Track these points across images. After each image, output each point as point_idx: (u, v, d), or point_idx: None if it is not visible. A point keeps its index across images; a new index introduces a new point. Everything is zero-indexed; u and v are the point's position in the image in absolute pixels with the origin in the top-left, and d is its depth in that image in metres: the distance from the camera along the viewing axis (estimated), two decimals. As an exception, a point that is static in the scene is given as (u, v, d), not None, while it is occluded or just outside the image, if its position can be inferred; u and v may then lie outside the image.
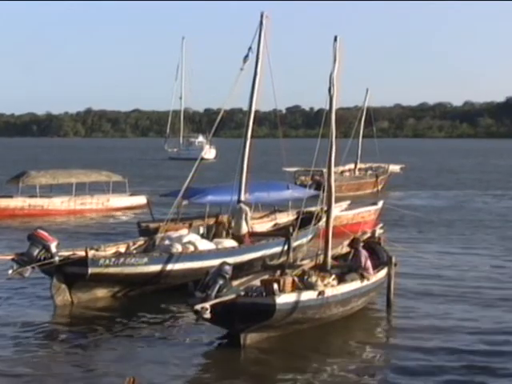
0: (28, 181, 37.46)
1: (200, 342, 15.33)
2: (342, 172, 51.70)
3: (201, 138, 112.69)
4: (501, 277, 21.77)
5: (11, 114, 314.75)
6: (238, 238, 22.60)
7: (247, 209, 23.55)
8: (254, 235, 23.59)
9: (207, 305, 14.20)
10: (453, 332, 16.00)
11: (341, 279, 16.95)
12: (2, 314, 17.48)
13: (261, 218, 28.35)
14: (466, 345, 15.09)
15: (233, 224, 23.27)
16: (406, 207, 37.30)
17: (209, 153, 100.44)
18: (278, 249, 22.58)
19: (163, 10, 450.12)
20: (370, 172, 54.64)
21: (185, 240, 21.04)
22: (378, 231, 20.69)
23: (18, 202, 36.97)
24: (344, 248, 19.59)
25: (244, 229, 23.04)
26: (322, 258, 18.08)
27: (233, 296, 14.75)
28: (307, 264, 18.07)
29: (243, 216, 23.12)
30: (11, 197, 37.54)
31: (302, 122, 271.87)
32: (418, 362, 14.16)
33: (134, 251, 20.68)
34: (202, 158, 25.87)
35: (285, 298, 14.83)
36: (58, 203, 38.00)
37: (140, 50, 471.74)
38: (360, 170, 54.91)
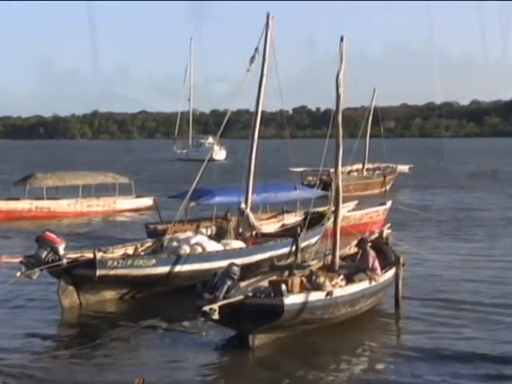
0: (35, 183, 37.52)
1: (208, 343, 15.32)
2: (350, 172, 51.61)
3: (210, 139, 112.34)
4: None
5: (18, 116, 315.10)
6: (246, 239, 22.62)
7: (251, 215, 23.60)
8: (261, 236, 23.59)
9: (215, 306, 14.19)
10: (462, 334, 15.92)
11: (349, 279, 16.91)
12: (10, 316, 17.50)
13: (269, 218, 28.34)
14: (475, 348, 14.97)
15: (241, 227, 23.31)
16: (415, 207, 37.20)
17: (219, 154, 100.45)
18: (285, 249, 22.56)
19: (170, 9, 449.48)
20: (377, 172, 54.53)
21: (192, 241, 21.04)
22: (386, 231, 20.65)
23: (25, 205, 37.03)
24: (352, 248, 19.56)
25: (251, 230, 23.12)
26: (329, 258, 18.05)
27: (241, 297, 14.73)
28: (315, 264, 18.06)
29: (249, 221, 23.21)
30: (18, 199, 37.62)
31: (309, 123, 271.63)
32: (426, 364, 14.09)
33: (142, 253, 20.68)
34: (213, 159, 25.89)
35: (293, 299, 14.80)
36: (65, 205, 38.06)
37: (145, 51, 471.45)
38: (368, 169, 54.76)
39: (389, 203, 32.49)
